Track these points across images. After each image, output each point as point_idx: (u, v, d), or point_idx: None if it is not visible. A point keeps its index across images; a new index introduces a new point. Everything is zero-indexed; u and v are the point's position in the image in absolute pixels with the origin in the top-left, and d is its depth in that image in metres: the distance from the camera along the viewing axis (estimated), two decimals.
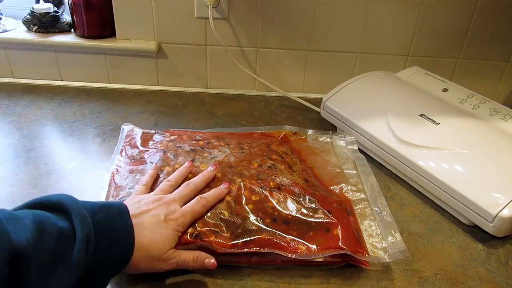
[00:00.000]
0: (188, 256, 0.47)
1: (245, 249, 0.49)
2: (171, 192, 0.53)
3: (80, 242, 0.38)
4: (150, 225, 0.46)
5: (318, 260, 0.50)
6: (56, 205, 0.40)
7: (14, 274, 0.33)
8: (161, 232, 0.46)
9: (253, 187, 0.54)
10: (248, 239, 0.50)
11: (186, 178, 0.56)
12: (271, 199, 0.53)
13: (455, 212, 0.62)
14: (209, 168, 0.57)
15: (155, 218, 0.46)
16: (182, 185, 0.53)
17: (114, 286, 0.48)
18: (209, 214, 0.51)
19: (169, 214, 0.48)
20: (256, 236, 0.50)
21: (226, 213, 0.51)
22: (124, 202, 0.50)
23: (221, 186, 0.54)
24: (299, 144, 0.71)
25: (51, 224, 0.37)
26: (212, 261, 0.48)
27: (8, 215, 0.35)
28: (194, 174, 0.56)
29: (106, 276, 0.42)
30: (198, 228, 0.50)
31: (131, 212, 0.46)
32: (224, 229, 0.50)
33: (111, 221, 0.42)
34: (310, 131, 0.74)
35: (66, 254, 0.37)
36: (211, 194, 0.52)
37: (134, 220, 0.45)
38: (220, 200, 0.53)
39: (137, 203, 0.49)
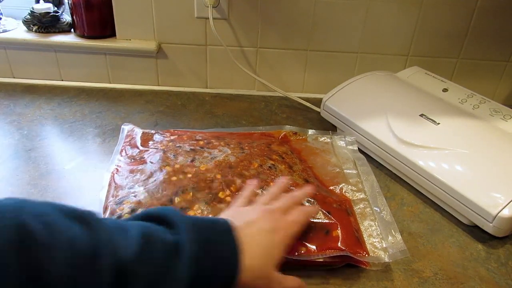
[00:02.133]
0: (293, 284, 0.44)
1: None
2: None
3: (187, 260, 0.35)
4: (257, 240, 0.42)
5: (318, 260, 0.50)
6: (164, 219, 0.38)
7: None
8: (267, 245, 0.42)
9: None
10: None
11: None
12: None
13: (455, 212, 0.62)
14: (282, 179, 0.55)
15: (262, 230, 0.43)
16: (286, 197, 0.50)
17: None
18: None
19: (276, 224, 0.45)
20: None
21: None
22: (226, 212, 0.47)
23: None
24: (299, 144, 0.71)
25: (158, 238, 0.35)
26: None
27: (116, 224, 0.35)
28: (194, 175, 0.57)
29: None
30: None
31: (236, 224, 0.42)
32: None
33: (219, 238, 0.39)
34: (310, 131, 0.74)
35: (171, 273, 0.34)
36: (309, 213, 0.50)
37: (241, 233, 0.41)
38: (220, 201, 0.53)
39: (240, 213, 0.46)
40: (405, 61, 0.94)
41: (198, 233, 0.38)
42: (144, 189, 0.55)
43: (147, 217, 0.38)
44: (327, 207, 0.54)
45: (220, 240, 0.39)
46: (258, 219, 0.44)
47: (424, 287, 0.51)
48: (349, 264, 0.52)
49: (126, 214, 0.51)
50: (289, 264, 0.51)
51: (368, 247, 0.52)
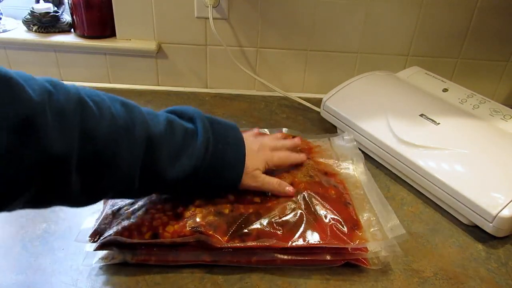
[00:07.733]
0: (273, 180, 0.54)
1: (242, 244, 0.49)
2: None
3: (201, 139, 0.47)
4: (247, 144, 0.54)
5: (318, 259, 0.51)
6: (184, 113, 0.50)
7: (148, 155, 0.43)
8: (253, 150, 0.55)
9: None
10: (245, 231, 0.50)
11: None
12: (271, 198, 0.54)
13: (455, 212, 0.62)
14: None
15: (250, 144, 0.54)
16: (278, 140, 0.62)
17: (115, 283, 0.49)
18: (211, 209, 0.52)
19: (261, 149, 0.56)
20: (255, 232, 0.50)
21: (227, 210, 0.52)
22: None
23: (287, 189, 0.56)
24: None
25: (179, 124, 0.47)
26: (292, 190, 0.55)
27: (149, 111, 0.46)
28: None
29: (225, 173, 0.51)
30: (198, 221, 0.50)
31: None
32: (224, 224, 0.50)
33: (227, 130, 0.52)
34: (310, 138, 0.73)
35: (189, 147, 0.47)
36: (293, 156, 0.60)
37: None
38: (223, 196, 0.54)
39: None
40: (405, 61, 0.94)
41: (211, 124, 0.50)
42: None
43: (172, 111, 0.50)
44: (329, 202, 0.55)
45: (228, 131, 0.52)
46: (251, 141, 0.56)
47: (424, 287, 0.51)
48: (349, 264, 0.52)
49: (126, 206, 0.52)
50: (290, 263, 0.51)
51: (367, 236, 0.52)
